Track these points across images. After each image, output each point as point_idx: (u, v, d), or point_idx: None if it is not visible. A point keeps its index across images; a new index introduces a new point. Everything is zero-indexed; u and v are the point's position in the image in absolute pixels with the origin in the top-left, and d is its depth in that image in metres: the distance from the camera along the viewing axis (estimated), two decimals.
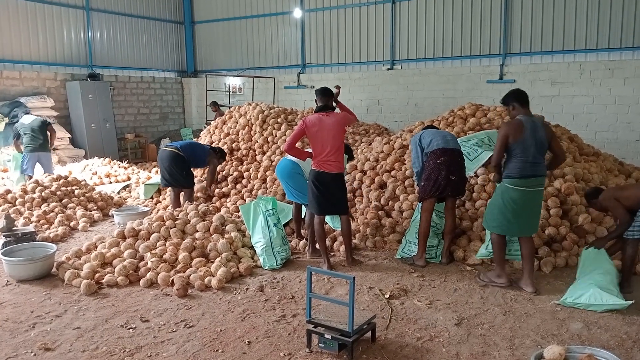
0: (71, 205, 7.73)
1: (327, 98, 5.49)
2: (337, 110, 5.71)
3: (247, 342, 3.79)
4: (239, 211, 7.33)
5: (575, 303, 4.34)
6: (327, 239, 5.75)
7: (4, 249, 5.47)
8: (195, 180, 7.66)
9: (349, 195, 6.53)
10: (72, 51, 13.52)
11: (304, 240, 6.14)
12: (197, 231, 5.79)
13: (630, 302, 4.25)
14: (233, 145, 8.87)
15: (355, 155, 7.60)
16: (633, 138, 10.58)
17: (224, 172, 8.34)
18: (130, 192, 9.25)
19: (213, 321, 4.17)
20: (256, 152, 8.62)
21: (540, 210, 4.81)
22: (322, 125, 5.20)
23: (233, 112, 9.71)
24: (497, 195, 4.74)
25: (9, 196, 7.70)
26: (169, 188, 7.33)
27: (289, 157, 5.96)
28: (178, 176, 6.95)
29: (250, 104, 9.65)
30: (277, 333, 3.94)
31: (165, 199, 8.20)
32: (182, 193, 7.24)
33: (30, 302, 4.61)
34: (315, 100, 5.59)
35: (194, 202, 6.88)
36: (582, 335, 3.87)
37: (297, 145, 5.58)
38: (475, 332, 3.95)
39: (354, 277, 3.51)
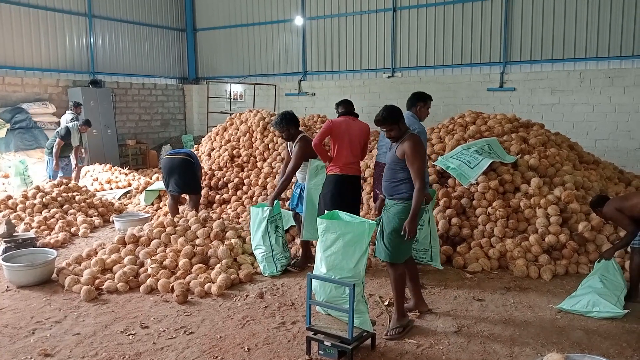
0: (72, 211, 7.74)
1: (349, 106, 5.70)
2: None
3: (246, 349, 3.79)
4: (239, 217, 7.35)
5: (573, 309, 4.36)
6: None
7: (5, 254, 5.48)
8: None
9: None
10: (74, 57, 13.57)
11: None
12: (198, 237, 5.79)
13: (627, 311, 4.26)
14: (234, 152, 8.89)
15: None
16: (633, 146, 10.59)
17: (225, 179, 8.35)
18: (131, 199, 9.25)
19: (213, 328, 4.17)
20: (257, 159, 8.64)
21: None
22: (350, 127, 5.36)
23: (234, 119, 9.75)
24: (398, 220, 3.98)
25: (10, 202, 7.71)
26: (168, 195, 7.32)
27: None
28: (192, 182, 7.00)
29: (251, 111, 9.69)
30: (277, 340, 3.94)
31: (165, 205, 8.21)
32: (185, 199, 7.26)
33: (30, 307, 4.61)
34: (337, 110, 5.77)
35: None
36: (582, 343, 3.87)
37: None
38: (475, 339, 3.94)
39: (354, 284, 3.51)
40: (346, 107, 5.66)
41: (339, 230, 3.68)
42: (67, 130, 9.39)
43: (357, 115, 5.68)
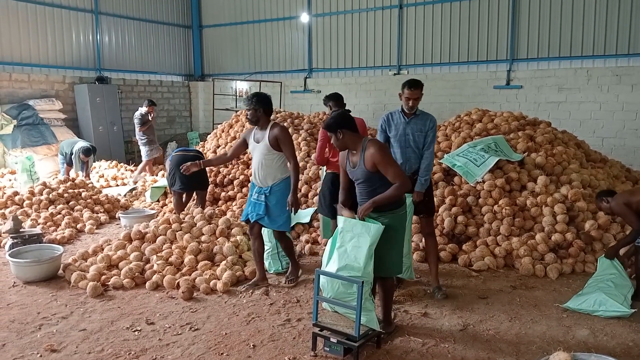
0: (78, 207, 7.77)
1: (341, 102, 5.56)
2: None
3: (252, 346, 3.79)
4: None
5: (579, 308, 4.34)
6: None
7: (11, 250, 5.51)
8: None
9: None
10: (81, 54, 13.61)
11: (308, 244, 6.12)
12: (203, 234, 5.80)
13: (633, 310, 4.23)
14: None
15: None
16: None
17: (230, 176, 8.36)
18: (138, 197, 9.25)
19: (218, 324, 4.18)
20: None
21: None
22: None
23: (240, 116, 9.75)
24: (399, 230, 3.91)
25: (17, 198, 7.75)
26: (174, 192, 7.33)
27: None
28: (203, 179, 7.08)
29: None
30: (282, 337, 3.94)
31: (172, 201, 8.22)
32: (189, 196, 7.28)
33: (36, 303, 4.63)
34: (329, 106, 5.59)
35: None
36: (589, 342, 3.85)
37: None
38: (481, 337, 3.93)
39: (362, 282, 3.50)
40: (338, 104, 5.49)
41: (356, 230, 3.66)
42: (71, 160, 9.70)
43: (349, 111, 5.54)
